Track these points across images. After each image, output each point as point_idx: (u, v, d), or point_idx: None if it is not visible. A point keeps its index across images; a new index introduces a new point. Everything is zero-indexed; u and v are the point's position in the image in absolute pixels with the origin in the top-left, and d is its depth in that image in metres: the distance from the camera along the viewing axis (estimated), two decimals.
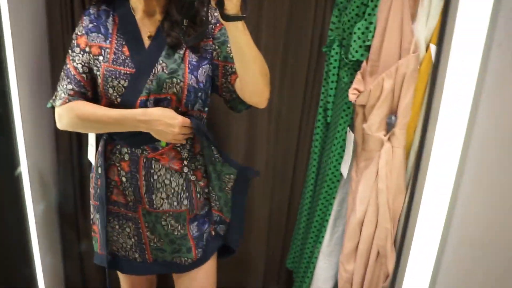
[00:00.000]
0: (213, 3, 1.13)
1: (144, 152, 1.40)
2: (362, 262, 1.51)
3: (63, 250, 2.02)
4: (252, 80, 1.32)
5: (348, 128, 1.56)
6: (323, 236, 1.83)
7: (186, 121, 1.35)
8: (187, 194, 1.45)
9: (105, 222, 1.46)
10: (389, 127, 1.38)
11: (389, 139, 1.37)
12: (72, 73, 1.37)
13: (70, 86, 1.37)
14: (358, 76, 1.49)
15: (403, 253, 1.05)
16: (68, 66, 1.38)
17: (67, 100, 1.36)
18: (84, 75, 1.37)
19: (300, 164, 2.05)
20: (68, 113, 1.36)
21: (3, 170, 1.75)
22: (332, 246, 1.82)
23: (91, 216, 1.55)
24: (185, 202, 1.45)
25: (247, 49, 1.25)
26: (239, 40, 1.22)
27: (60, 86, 1.39)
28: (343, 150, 1.72)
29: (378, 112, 1.38)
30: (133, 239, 1.49)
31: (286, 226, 2.16)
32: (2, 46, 1.51)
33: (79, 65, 1.37)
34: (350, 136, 1.52)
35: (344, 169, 1.57)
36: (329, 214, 1.80)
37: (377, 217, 1.43)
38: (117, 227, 1.49)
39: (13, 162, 1.68)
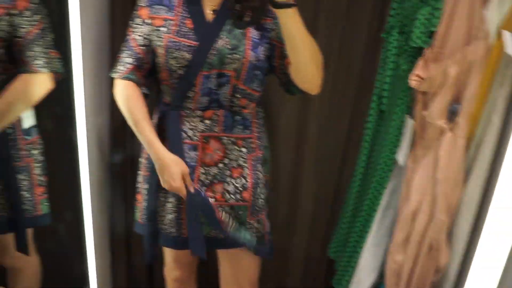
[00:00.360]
0: None
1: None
2: (412, 254, 1.47)
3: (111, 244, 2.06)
4: (303, 66, 1.31)
5: (408, 115, 1.52)
6: (370, 226, 1.80)
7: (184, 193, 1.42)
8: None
9: (155, 193, 1.49)
10: (452, 115, 1.33)
11: (450, 128, 1.33)
12: (131, 45, 1.39)
13: (128, 60, 1.40)
14: (421, 62, 1.45)
15: (470, 250, 1.02)
16: (128, 38, 1.40)
17: (123, 75, 1.39)
18: (143, 47, 1.39)
19: (350, 152, 2.01)
20: (122, 93, 1.41)
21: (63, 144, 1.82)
22: (379, 237, 1.79)
23: (138, 185, 1.58)
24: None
25: (298, 36, 1.23)
26: (290, 27, 1.21)
27: (121, 57, 1.41)
28: (398, 139, 1.67)
29: (441, 100, 1.33)
30: (172, 214, 1.50)
31: (331, 214, 2.14)
32: (67, 15, 1.54)
33: (139, 37, 1.38)
34: (409, 123, 1.48)
35: (401, 156, 1.53)
36: (378, 204, 1.76)
37: (432, 208, 1.39)
38: (161, 199, 1.50)
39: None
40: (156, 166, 1.41)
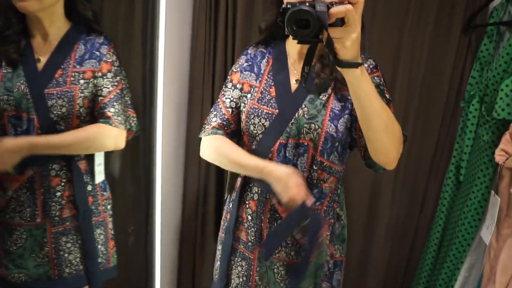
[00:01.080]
0: (324, 45, 1.08)
1: (275, 199, 1.38)
2: None
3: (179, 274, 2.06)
4: (375, 136, 1.21)
5: (493, 192, 1.45)
6: None
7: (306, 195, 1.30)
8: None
9: (228, 256, 1.47)
10: None
11: None
12: (220, 107, 1.43)
13: (215, 119, 1.42)
14: (507, 136, 1.39)
15: None
16: (219, 100, 1.44)
17: (210, 131, 1.41)
18: (229, 109, 1.41)
19: (423, 223, 1.94)
20: (210, 144, 1.41)
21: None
22: None
23: (217, 247, 1.58)
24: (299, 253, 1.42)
25: (366, 101, 1.14)
26: (357, 89, 1.11)
27: (208, 118, 1.45)
28: (478, 213, 1.60)
29: None
30: (241, 279, 1.48)
31: (401, 285, 2.05)
32: (155, 82, 1.62)
33: (227, 100, 1.42)
34: (496, 201, 1.41)
35: (487, 235, 1.45)
36: (455, 280, 1.67)
37: None
38: (231, 262, 1.49)
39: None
40: (272, 182, 1.32)
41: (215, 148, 1.40)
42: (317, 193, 1.38)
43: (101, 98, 1.49)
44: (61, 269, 1.55)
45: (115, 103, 1.50)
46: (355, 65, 1.06)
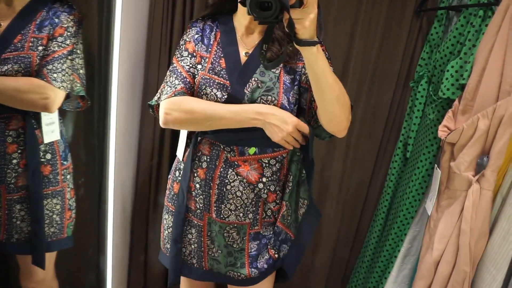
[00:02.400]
0: (285, 26, 1.11)
1: (230, 153, 1.42)
2: None
3: (130, 249, 2.07)
4: (328, 107, 1.30)
5: (436, 166, 1.54)
6: (389, 272, 1.79)
7: (302, 125, 1.34)
8: (254, 208, 1.46)
9: (181, 226, 1.50)
10: (479, 168, 1.35)
11: (477, 180, 1.34)
12: (180, 71, 1.41)
13: (177, 82, 1.40)
14: (449, 113, 1.48)
15: None
16: (175, 65, 1.43)
17: (173, 94, 1.38)
18: (190, 74, 1.41)
19: (372, 197, 2.03)
20: (177, 108, 1.37)
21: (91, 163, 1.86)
22: (398, 284, 1.78)
23: (163, 216, 1.60)
24: (249, 215, 1.46)
25: (322, 76, 1.22)
26: (314, 66, 1.20)
27: (167, 82, 1.42)
28: (422, 187, 1.69)
29: (469, 152, 1.35)
30: (193, 246, 1.51)
31: (348, 259, 2.13)
32: (110, 49, 1.61)
33: (186, 66, 1.41)
34: (437, 174, 1.49)
35: (430, 206, 1.54)
36: (399, 251, 1.76)
37: (455, 259, 1.39)
38: (183, 230, 1.52)
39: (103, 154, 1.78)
40: (263, 123, 1.35)
41: (186, 108, 1.36)
42: (272, 161, 1.44)
43: (44, 57, 1.46)
44: (10, 234, 1.55)
45: (55, 62, 1.46)
46: (313, 43, 1.15)
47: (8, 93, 1.42)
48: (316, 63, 1.20)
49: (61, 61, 1.47)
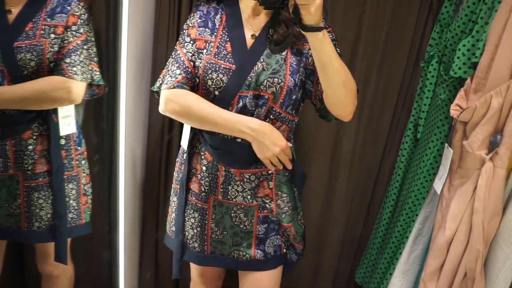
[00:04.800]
0: (290, 12, 1.13)
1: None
2: (445, 282, 1.46)
3: (142, 233, 2.09)
4: (334, 92, 1.31)
5: (447, 144, 1.53)
6: (400, 253, 1.79)
7: (289, 151, 1.40)
8: (260, 190, 1.47)
9: (183, 207, 1.52)
10: (493, 146, 1.34)
11: (491, 158, 1.34)
12: (182, 59, 1.42)
13: (178, 71, 1.41)
14: (461, 92, 1.46)
15: None
16: (178, 52, 1.43)
17: (174, 85, 1.39)
18: (192, 63, 1.41)
19: (383, 178, 2.03)
20: (176, 100, 1.38)
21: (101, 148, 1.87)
22: (409, 264, 1.78)
23: (170, 199, 1.62)
24: (258, 199, 1.47)
25: (327, 61, 1.22)
26: (319, 51, 1.21)
27: (168, 70, 1.43)
28: (433, 167, 1.68)
29: (482, 130, 1.34)
30: (195, 230, 1.52)
31: (359, 240, 2.14)
32: (118, 32, 1.61)
33: (189, 53, 1.42)
34: (448, 153, 1.49)
35: (438, 184, 1.54)
36: (410, 231, 1.76)
37: (468, 238, 1.39)
38: (187, 213, 1.53)
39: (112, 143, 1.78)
40: (253, 138, 1.37)
41: (185, 104, 1.38)
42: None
43: (61, 48, 1.47)
44: (31, 222, 1.57)
45: (72, 54, 1.47)
46: (319, 29, 1.16)
47: (31, 97, 1.44)
48: (322, 48, 1.20)
49: (78, 52, 1.48)
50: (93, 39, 1.55)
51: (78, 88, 1.49)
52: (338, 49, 1.37)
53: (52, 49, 1.45)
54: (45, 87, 1.44)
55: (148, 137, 1.93)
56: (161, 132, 1.91)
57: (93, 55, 1.55)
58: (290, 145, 1.43)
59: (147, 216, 2.03)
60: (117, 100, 1.69)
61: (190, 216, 1.52)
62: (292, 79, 1.38)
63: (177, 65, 1.41)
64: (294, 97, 1.41)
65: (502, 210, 1.36)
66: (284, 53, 1.38)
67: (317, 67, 1.26)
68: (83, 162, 1.65)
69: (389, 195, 1.94)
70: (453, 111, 1.44)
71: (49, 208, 1.57)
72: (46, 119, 1.51)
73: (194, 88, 1.44)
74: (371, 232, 2.09)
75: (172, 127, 1.91)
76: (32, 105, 1.47)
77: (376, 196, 2.07)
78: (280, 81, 1.36)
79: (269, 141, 1.35)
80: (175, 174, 1.58)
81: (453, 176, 1.49)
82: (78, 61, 1.48)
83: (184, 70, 1.40)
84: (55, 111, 1.53)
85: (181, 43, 1.43)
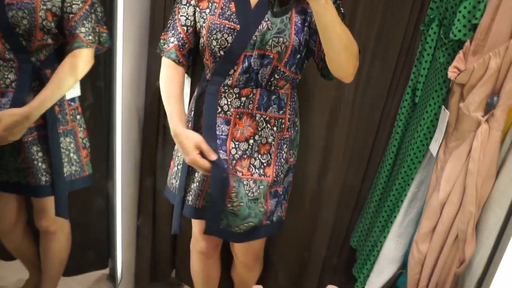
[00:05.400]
0: None
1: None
2: (437, 244, 1.48)
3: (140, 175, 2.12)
4: (335, 56, 1.32)
5: (443, 106, 1.53)
6: (395, 216, 1.81)
7: (202, 162, 1.44)
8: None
9: (185, 175, 1.55)
10: (489, 107, 1.33)
11: (486, 120, 1.33)
12: (176, 25, 1.47)
13: (171, 39, 1.48)
14: (460, 54, 1.45)
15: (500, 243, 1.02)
16: (175, 17, 1.48)
17: (165, 53, 1.50)
18: (184, 28, 1.46)
19: (380, 142, 2.03)
20: (161, 72, 1.53)
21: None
22: (403, 228, 1.80)
23: (174, 153, 1.66)
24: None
25: (330, 25, 1.23)
26: (321, 17, 1.21)
27: (167, 34, 1.50)
28: (430, 131, 1.68)
29: (479, 92, 1.34)
30: (195, 184, 1.55)
31: (355, 204, 2.16)
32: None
33: (183, 18, 1.46)
34: (445, 114, 1.49)
35: (434, 147, 1.54)
36: (405, 195, 1.77)
37: (461, 199, 1.40)
38: (190, 168, 1.56)
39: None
40: (176, 143, 1.49)
41: (162, 79, 1.52)
42: (276, 100, 1.46)
43: (71, 15, 1.51)
44: (37, 177, 1.59)
45: (84, 21, 1.52)
46: None
47: (70, 87, 1.58)
48: (324, 14, 1.20)
49: (88, 19, 1.54)
50: (96, 1, 1.60)
51: (93, 53, 1.59)
52: (342, 9, 1.39)
53: (44, 7, 1.46)
54: (70, 78, 1.55)
55: (146, 92, 1.93)
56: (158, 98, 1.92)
57: (100, 17, 1.62)
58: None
59: (144, 160, 2.06)
60: (113, 58, 1.70)
61: (194, 170, 1.54)
62: (297, 38, 1.39)
63: (173, 31, 1.48)
64: (298, 56, 1.43)
65: (496, 173, 1.37)
66: (289, 13, 1.37)
67: (319, 31, 1.26)
68: (78, 117, 1.69)
69: (386, 160, 1.95)
70: (451, 73, 1.44)
71: (45, 163, 1.60)
72: (43, 82, 1.53)
73: (191, 52, 1.51)
74: (367, 196, 2.11)
75: None
76: (69, 87, 1.59)
77: (373, 160, 2.07)
78: (285, 40, 1.38)
79: (182, 148, 1.46)
80: None
81: (449, 139, 1.49)
82: (91, 28, 1.55)
83: (177, 37, 1.47)
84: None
85: (178, 7, 1.47)
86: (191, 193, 1.55)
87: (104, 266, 2.35)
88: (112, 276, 2.36)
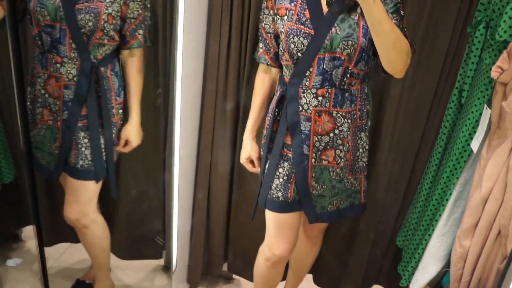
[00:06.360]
0: None
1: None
2: (480, 239, 1.51)
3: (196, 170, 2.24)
4: (385, 53, 1.46)
5: (486, 105, 1.56)
6: (440, 215, 1.83)
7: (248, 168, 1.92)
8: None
9: (275, 165, 1.74)
10: None
11: None
12: (262, 32, 1.71)
13: (261, 45, 1.74)
14: (504, 55, 1.48)
15: None
16: (260, 26, 1.71)
17: (257, 58, 1.78)
18: (269, 35, 1.69)
19: (426, 143, 2.06)
20: (257, 74, 1.84)
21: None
22: (448, 227, 1.82)
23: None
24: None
25: (377, 24, 1.38)
26: (369, 16, 1.36)
27: (260, 43, 1.76)
28: (474, 130, 1.71)
29: None
30: (281, 179, 1.71)
31: (402, 203, 2.19)
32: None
33: (267, 26, 1.68)
34: (487, 113, 1.52)
35: (475, 144, 1.57)
36: (450, 194, 1.80)
37: (503, 195, 1.42)
38: (276, 165, 1.74)
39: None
40: None
41: (255, 84, 1.85)
42: (348, 97, 1.62)
43: (133, 20, 1.77)
44: (77, 159, 1.80)
45: (142, 25, 1.80)
46: None
47: (140, 91, 1.94)
48: (371, 13, 1.36)
49: (145, 22, 1.81)
50: (148, 5, 1.83)
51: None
52: (402, 11, 1.55)
53: (106, 11, 1.69)
54: (142, 67, 1.91)
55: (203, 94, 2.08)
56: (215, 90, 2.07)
57: (147, 23, 1.84)
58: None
59: (202, 151, 2.17)
60: (173, 63, 1.85)
61: (279, 165, 1.73)
62: (364, 40, 1.54)
63: (261, 38, 1.73)
64: (366, 55, 1.58)
65: None
66: (356, 17, 1.53)
67: (371, 29, 1.42)
68: (120, 111, 1.90)
69: (432, 160, 1.97)
70: (494, 72, 1.47)
71: (87, 150, 1.83)
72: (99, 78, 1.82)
73: (277, 54, 1.72)
74: (410, 204, 2.14)
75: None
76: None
77: (419, 161, 2.10)
78: (353, 43, 1.52)
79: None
80: (264, 131, 1.80)
81: (491, 137, 1.52)
82: (146, 32, 1.83)
83: (264, 43, 1.73)
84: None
85: (262, 17, 1.69)
86: (278, 189, 1.73)
87: (159, 257, 2.49)
88: (166, 267, 2.50)
